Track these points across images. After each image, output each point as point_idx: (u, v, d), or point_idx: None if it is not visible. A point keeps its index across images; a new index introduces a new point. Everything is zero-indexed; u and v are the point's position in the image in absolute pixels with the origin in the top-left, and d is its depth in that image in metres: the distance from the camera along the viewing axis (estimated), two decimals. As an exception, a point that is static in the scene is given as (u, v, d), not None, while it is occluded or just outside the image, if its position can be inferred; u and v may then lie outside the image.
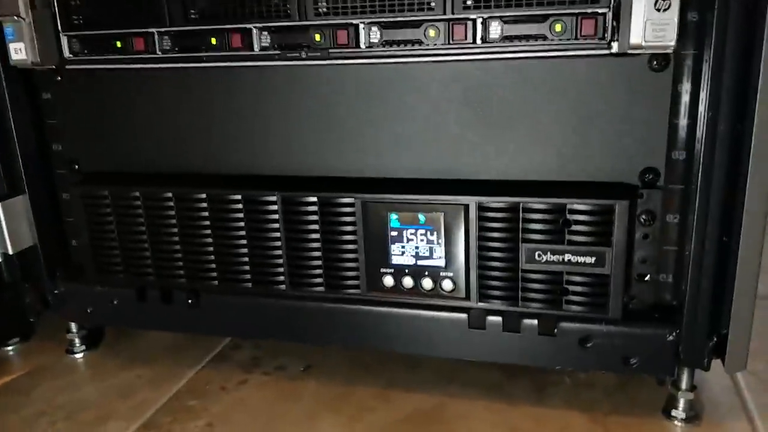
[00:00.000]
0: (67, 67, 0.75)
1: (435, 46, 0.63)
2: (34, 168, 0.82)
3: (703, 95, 0.58)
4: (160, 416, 0.74)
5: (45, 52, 0.74)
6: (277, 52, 0.67)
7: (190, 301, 0.78)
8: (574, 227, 0.62)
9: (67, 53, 0.75)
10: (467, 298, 0.67)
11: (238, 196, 0.71)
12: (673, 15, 0.55)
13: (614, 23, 0.57)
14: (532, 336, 0.67)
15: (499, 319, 0.67)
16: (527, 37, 0.60)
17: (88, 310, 0.83)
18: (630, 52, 0.58)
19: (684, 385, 0.67)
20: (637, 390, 0.74)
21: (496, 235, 0.65)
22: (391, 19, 0.63)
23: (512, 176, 0.66)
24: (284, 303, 0.74)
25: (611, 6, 0.57)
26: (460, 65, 0.64)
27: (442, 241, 0.67)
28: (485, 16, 0.61)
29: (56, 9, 0.73)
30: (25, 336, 0.93)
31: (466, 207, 0.65)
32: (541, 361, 0.68)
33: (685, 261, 0.62)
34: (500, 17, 0.60)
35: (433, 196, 0.66)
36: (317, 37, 0.65)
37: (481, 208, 0.64)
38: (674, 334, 0.63)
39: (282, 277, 0.73)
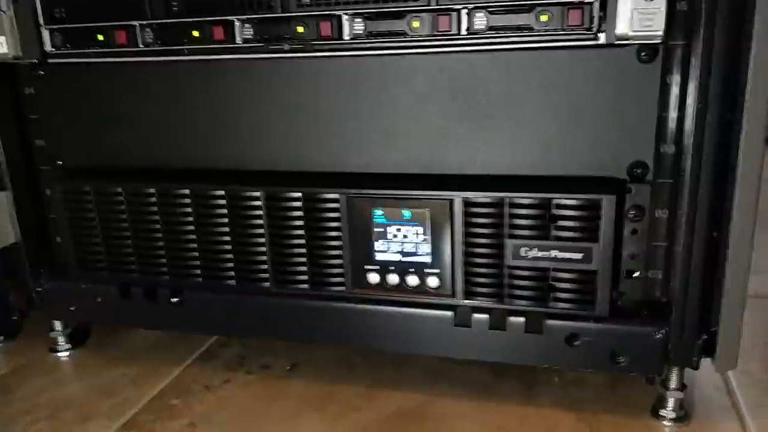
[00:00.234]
0: (49, 61, 0.74)
1: (419, 38, 0.62)
2: (16, 164, 0.81)
3: (692, 87, 0.57)
4: (143, 415, 0.72)
5: (26, 46, 0.73)
6: (260, 44, 0.66)
7: (174, 298, 0.77)
8: (561, 222, 0.61)
9: (48, 47, 0.74)
10: (453, 295, 0.66)
11: (222, 192, 0.70)
12: (660, 4, 0.54)
13: (601, 13, 0.56)
14: (519, 334, 0.65)
15: (485, 316, 0.66)
16: (513, 28, 0.59)
17: (72, 308, 0.82)
18: (617, 42, 0.56)
19: (673, 384, 0.65)
20: (626, 389, 0.72)
21: (481, 230, 0.63)
22: (375, 10, 0.62)
23: (498, 171, 0.65)
24: (268, 300, 0.73)
25: (598, -5, 0.56)
26: (446, 57, 0.63)
27: (427, 237, 0.66)
28: (470, 6, 0.60)
29: (37, 2, 0.72)
30: (10, 334, 0.92)
31: (452, 202, 0.64)
32: (527, 359, 0.67)
33: (674, 257, 0.61)
34: (485, 7, 0.59)
35: (418, 191, 0.65)
36: (300, 29, 0.64)
37: (466, 203, 0.63)
38: (663, 332, 0.62)
39: (266, 275, 0.72)
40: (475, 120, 0.64)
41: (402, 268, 0.67)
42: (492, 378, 0.76)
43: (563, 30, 0.58)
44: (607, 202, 0.59)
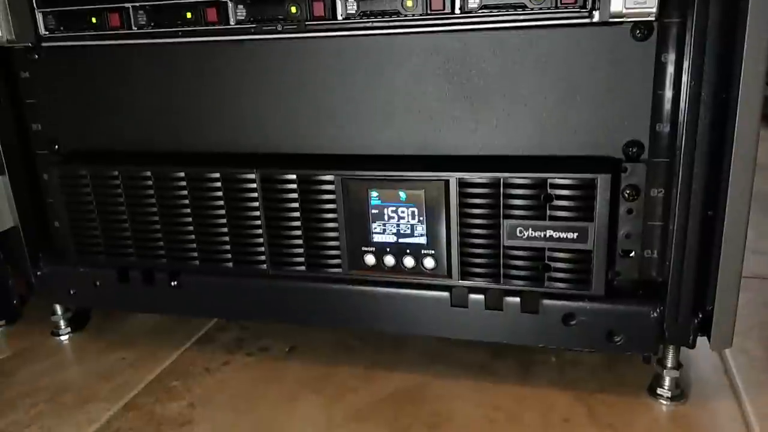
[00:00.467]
0: (44, 44, 0.74)
1: (413, 17, 0.61)
2: (13, 148, 0.81)
3: (688, 65, 0.56)
4: (142, 397, 0.73)
5: (20, 30, 0.73)
6: (253, 25, 0.66)
7: (172, 282, 0.77)
8: (556, 202, 0.61)
9: (42, 30, 0.73)
10: (449, 276, 0.66)
11: (217, 174, 0.70)
12: (654, -19, 0.53)
13: (596, -9, 0.56)
14: (515, 314, 0.66)
15: (481, 297, 0.66)
16: (506, 6, 0.59)
17: (71, 292, 0.82)
18: (612, 20, 0.56)
19: (669, 362, 0.66)
20: (623, 369, 0.73)
21: (477, 211, 0.63)
22: (368, -10, 0.61)
23: (493, 151, 0.65)
24: (266, 283, 0.73)
25: (592, -28, 0.56)
26: (440, 37, 0.63)
27: (423, 218, 0.66)
28: (463, -16, 0.59)
29: (30, -16, 0.72)
30: (11, 319, 0.93)
31: (447, 183, 0.63)
32: (524, 339, 0.67)
33: (669, 236, 0.61)
34: (479, -14, 0.59)
35: (414, 173, 0.65)
36: (293, 9, 0.64)
37: (462, 184, 0.63)
38: (658, 311, 0.62)
39: (263, 257, 0.72)
40: (470, 100, 0.64)
41: (398, 250, 0.67)
42: (489, 358, 0.76)
43: (557, 8, 0.58)
44: (603, 182, 0.59)
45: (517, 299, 0.65)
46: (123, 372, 0.78)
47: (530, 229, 0.62)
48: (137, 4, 0.68)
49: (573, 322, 0.64)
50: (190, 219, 0.73)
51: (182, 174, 0.71)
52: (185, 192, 0.72)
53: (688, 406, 0.66)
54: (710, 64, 0.55)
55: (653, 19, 0.55)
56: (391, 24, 0.62)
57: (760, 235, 1.12)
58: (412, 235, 0.66)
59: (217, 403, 0.71)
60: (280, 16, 0.64)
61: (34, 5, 0.72)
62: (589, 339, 0.65)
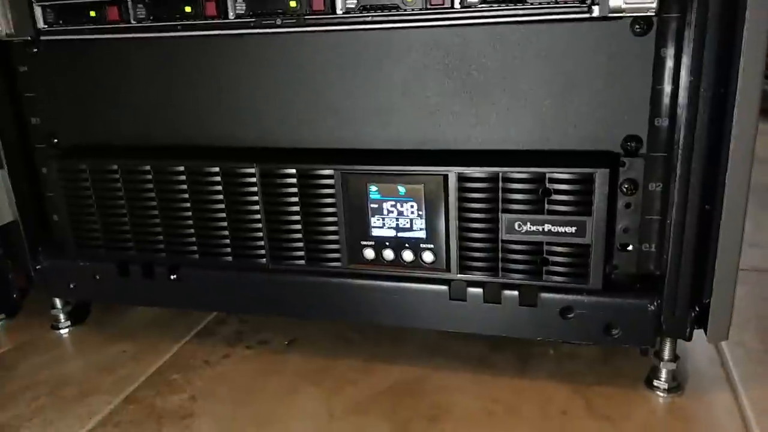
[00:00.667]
0: (42, 38, 0.74)
1: (412, 11, 0.61)
2: (12, 142, 0.81)
3: (687, 60, 0.56)
4: (143, 390, 0.73)
5: (19, 23, 0.73)
6: (252, 19, 0.66)
7: (172, 276, 0.77)
8: (554, 197, 0.61)
9: (41, 24, 0.73)
10: (448, 269, 0.67)
11: (216, 168, 0.70)
12: (654, -24, 0.53)
13: (595, -15, 0.56)
14: (513, 307, 0.66)
15: (479, 290, 0.67)
16: (506, 1, 0.59)
17: (71, 286, 0.83)
18: (611, 15, 0.56)
19: (666, 355, 0.66)
20: (621, 361, 0.73)
21: (476, 205, 0.64)
22: (368, -16, 0.62)
23: (492, 146, 0.65)
24: (265, 276, 0.73)
25: (591, -33, 0.56)
26: (439, 31, 0.63)
27: (422, 212, 0.66)
28: (463, -21, 0.59)
29: (29, -22, 0.72)
30: (11, 312, 0.93)
31: (446, 177, 0.64)
32: (522, 332, 0.67)
33: (667, 230, 0.61)
34: (478, -19, 0.59)
35: (413, 167, 0.65)
36: (293, 3, 0.64)
37: (460, 178, 0.63)
38: (656, 304, 0.62)
39: (262, 251, 0.72)
40: (470, 95, 0.64)
41: (397, 244, 0.68)
42: (487, 351, 0.77)
43: (557, 3, 0.58)
44: (601, 176, 0.59)
45: (516, 293, 0.66)
46: (123, 365, 0.79)
47: (529, 223, 0.63)
48: (136, -2, 0.69)
49: (571, 316, 0.65)
50: (189, 213, 0.73)
51: (182, 168, 0.72)
52: (185, 186, 0.72)
53: (684, 398, 0.67)
54: (709, 58, 0.55)
55: (653, 14, 0.55)
56: (391, 18, 0.62)
57: (758, 227, 1.12)
58: (411, 229, 0.67)
59: (217, 395, 0.72)
60: (279, 10, 0.64)
61: (33, -1, 0.72)
62: (587, 332, 0.65)
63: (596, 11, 0.57)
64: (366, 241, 0.68)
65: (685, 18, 0.56)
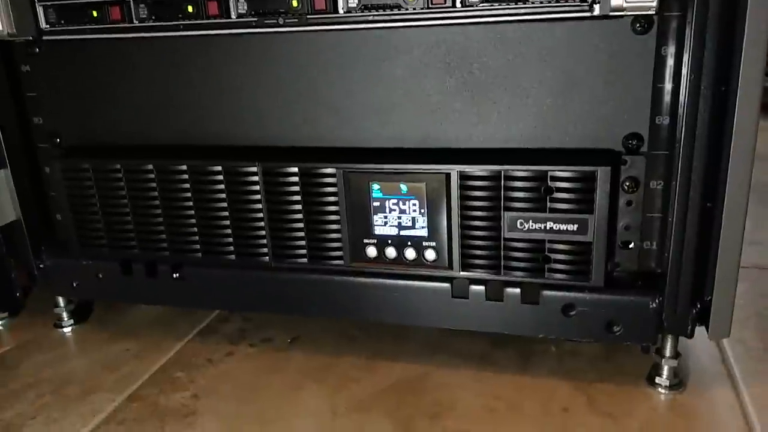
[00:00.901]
0: (44, 38, 0.74)
1: (414, 10, 0.62)
2: (15, 142, 0.81)
3: (688, 58, 0.56)
4: (146, 388, 0.74)
5: (21, 23, 0.73)
6: (254, 19, 0.66)
7: (175, 274, 0.77)
8: (556, 195, 0.61)
9: (43, 24, 0.74)
10: (450, 267, 0.67)
11: (219, 167, 0.71)
12: (654, -25, 0.54)
13: (596, -16, 0.56)
14: (516, 305, 0.66)
15: (482, 288, 0.67)
16: (508, 0, 0.59)
17: (74, 284, 0.83)
18: (612, 14, 0.56)
19: (668, 352, 0.66)
20: (622, 358, 0.73)
21: (478, 203, 0.64)
22: (369, -17, 0.62)
23: (494, 144, 0.65)
24: (268, 275, 0.74)
25: (593, -34, 0.56)
26: (441, 30, 0.63)
27: (424, 210, 0.66)
28: (464, -22, 0.59)
29: (31, -22, 0.72)
30: (14, 311, 0.93)
31: (448, 176, 0.64)
32: (524, 329, 0.67)
33: (668, 228, 0.61)
34: (480, -20, 0.59)
35: (415, 166, 0.65)
36: (294, 2, 0.64)
37: (462, 176, 0.63)
38: (657, 301, 0.63)
39: (265, 249, 0.72)
40: (471, 93, 0.64)
41: (399, 242, 0.68)
42: (489, 349, 0.77)
43: (558, 2, 0.58)
44: (602, 174, 0.60)
45: (518, 290, 0.66)
46: (126, 363, 0.79)
47: (531, 221, 0.63)
48: (138, -2, 0.69)
49: (573, 313, 0.65)
50: (192, 212, 0.73)
51: (184, 167, 0.72)
52: (187, 185, 0.72)
53: (686, 395, 0.67)
54: (710, 57, 0.55)
55: (653, 12, 0.55)
56: (393, 17, 0.63)
57: (758, 225, 1.12)
58: (413, 227, 0.67)
59: (220, 393, 0.72)
60: (281, 10, 0.65)
61: (35, -1, 0.72)
62: (589, 329, 0.65)
63: (597, 10, 0.57)
64: (368, 239, 0.69)
65: (686, 16, 0.56)
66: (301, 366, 0.76)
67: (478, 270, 0.66)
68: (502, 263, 0.65)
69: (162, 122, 0.75)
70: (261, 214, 0.71)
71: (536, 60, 0.62)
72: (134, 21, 0.70)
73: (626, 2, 0.54)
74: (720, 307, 0.61)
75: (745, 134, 0.55)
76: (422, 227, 0.67)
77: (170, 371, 0.77)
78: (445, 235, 0.66)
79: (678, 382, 0.68)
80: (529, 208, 0.62)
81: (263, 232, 0.71)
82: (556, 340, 0.77)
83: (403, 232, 0.67)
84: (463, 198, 0.64)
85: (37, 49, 0.77)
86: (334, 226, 0.69)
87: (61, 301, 0.89)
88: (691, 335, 0.63)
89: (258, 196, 0.70)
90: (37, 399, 0.73)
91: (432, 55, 0.64)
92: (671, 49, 0.58)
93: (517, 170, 0.62)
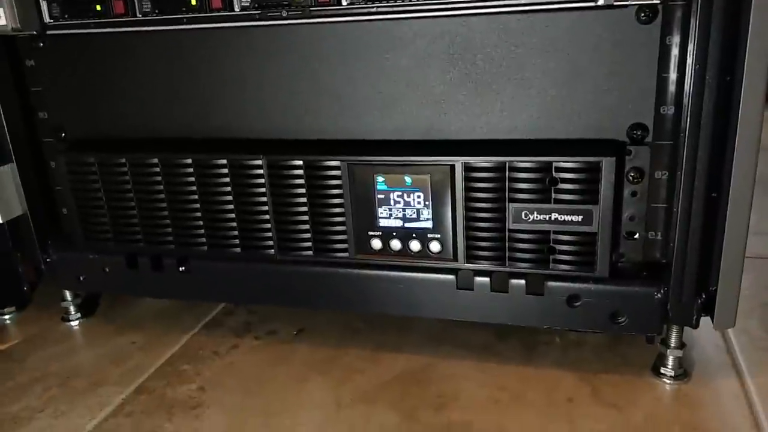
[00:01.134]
0: (48, 32, 0.74)
1: (418, 2, 0.61)
2: (20, 136, 0.81)
3: (692, 47, 0.56)
4: (153, 381, 0.74)
5: (25, 18, 0.73)
6: (258, 11, 0.66)
7: (180, 267, 0.78)
8: (561, 185, 0.61)
9: (47, 18, 0.74)
10: (455, 259, 0.67)
11: (224, 161, 0.71)
12: (659, -37, 0.53)
13: (600, -26, 0.56)
14: (520, 296, 0.66)
15: (486, 279, 0.67)
16: (511, -9, 0.59)
17: (81, 278, 0.83)
18: (617, 3, 0.56)
19: (673, 342, 0.66)
20: (627, 349, 0.74)
21: (482, 195, 0.64)
22: (373, -25, 0.62)
23: (498, 135, 0.65)
24: (273, 267, 0.74)
25: (596, -44, 0.56)
26: (444, 21, 0.63)
27: (429, 202, 0.66)
28: (468, -31, 0.59)
29: (34, -28, 0.72)
30: (21, 305, 0.94)
31: (453, 167, 0.64)
32: (529, 320, 0.68)
33: (673, 218, 0.61)
34: (483, -30, 0.59)
35: (419, 158, 0.65)
36: (298, -5, 0.64)
37: (467, 168, 0.63)
38: (662, 292, 0.63)
39: (270, 242, 0.72)
40: (475, 84, 0.64)
41: (404, 234, 0.68)
42: (494, 340, 0.77)
43: (562, -8, 0.58)
44: (607, 165, 0.59)
45: (522, 281, 0.66)
46: (133, 356, 0.80)
47: (535, 212, 0.63)
48: (142, -9, 0.69)
49: (578, 304, 0.65)
50: (197, 205, 0.73)
51: (189, 161, 0.72)
52: (192, 178, 0.72)
53: (691, 385, 0.67)
54: (715, 46, 0.55)
55: (658, 1, 0.55)
56: (396, 9, 0.62)
57: (764, 215, 1.12)
58: (418, 219, 0.67)
59: (226, 385, 0.72)
60: (284, 2, 0.65)
61: (39, -7, 0.72)
62: (594, 320, 0.65)
63: (601, 0, 0.57)
64: (373, 231, 0.69)
65: (691, 6, 0.56)
66: (306, 358, 0.76)
67: (483, 261, 0.66)
68: (507, 254, 0.65)
69: (166, 116, 0.75)
70: (266, 207, 0.71)
71: (540, 50, 0.62)
72: (138, 15, 0.70)
73: (630, -8, 0.54)
74: (725, 298, 0.61)
75: (750, 124, 0.55)
76: (427, 219, 0.67)
77: (176, 364, 0.77)
78: (450, 227, 0.66)
79: (683, 373, 0.68)
80: (534, 199, 0.62)
81: (268, 225, 0.72)
82: (561, 330, 0.77)
83: (407, 224, 0.67)
84: (467, 189, 0.64)
85: (41, 44, 0.77)
86: (339, 219, 0.69)
87: (67, 294, 0.89)
88: (696, 325, 0.63)
89: (263, 189, 0.70)
90: (44, 392, 0.73)
91: (435, 47, 0.64)
92: (676, 39, 0.58)
93: (522, 161, 0.62)
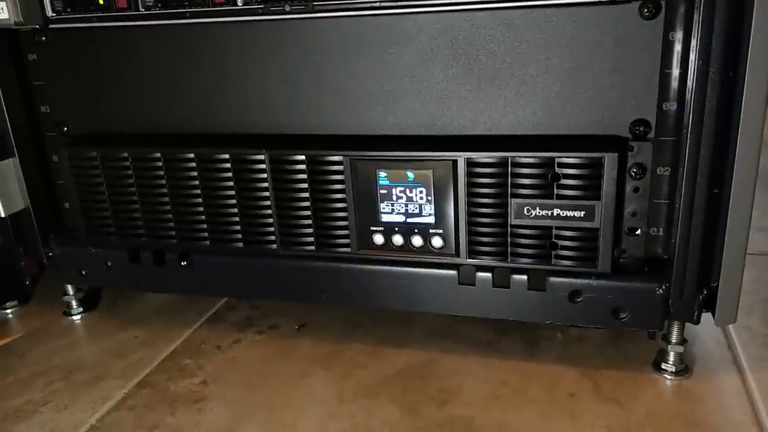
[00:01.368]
0: (51, 26, 0.74)
1: (421, -3, 0.62)
2: (23, 130, 0.81)
3: (695, 43, 0.56)
4: (155, 375, 0.74)
5: (28, 11, 0.73)
6: (261, 6, 0.66)
7: (183, 262, 0.78)
8: (563, 181, 0.61)
9: (50, 12, 0.74)
10: (457, 254, 0.67)
11: (226, 155, 0.71)
12: (663, -41, 0.53)
13: (603, -31, 0.56)
14: (522, 291, 0.66)
15: (488, 275, 0.67)
16: (514, -14, 0.59)
17: (83, 272, 0.83)
18: (620, -1, 0.56)
19: (674, 338, 0.67)
20: (628, 344, 0.74)
21: (485, 190, 0.64)
22: (376, -30, 0.62)
23: (501, 130, 0.65)
24: (275, 262, 0.74)
25: (600, -49, 0.56)
26: (448, 17, 0.63)
27: (431, 198, 0.66)
28: (471, -36, 0.59)
29: (37, -34, 0.72)
30: (23, 299, 0.94)
31: (455, 163, 0.64)
32: (531, 316, 0.68)
33: (675, 214, 0.62)
34: (487, -34, 0.59)
35: (422, 153, 0.65)
36: (301, -11, 0.64)
37: (469, 163, 0.64)
38: (664, 287, 0.63)
39: (272, 237, 0.73)
40: (478, 80, 0.64)
41: (406, 229, 0.68)
42: (496, 335, 0.77)
43: (566, -13, 0.58)
44: (610, 161, 0.60)
45: (524, 277, 0.66)
46: (135, 350, 0.80)
47: (537, 208, 0.63)
48: (144, -14, 0.69)
49: (579, 299, 0.65)
50: (200, 200, 0.74)
51: (192, 155, 0.72)
52: (195, 173, 0.73)
53: (692, 380, 0.68)
54: (718, 42, 0.55)
55: (661, -3, 0.55)
56: (400, 3, 0.62)
57: (765, 212, 1.12)
58: (420, 214, 0.67)
59: (228, 380, 0.72)
60: (287, -3, 0.65)
61: (41, -13, 0.72)
62: (595, 316, 0.66)
63: (605, -5, 0.57)
64: (375, 226, 0.69)
65: (694, 1, 0.56)
66: (309, 353, 0.77)
67: (485, 257, 0.66)
68: (509, 250, 0.65)
69: (169, 110, 0.75)
70: (268, 202, 0.71)
71: (543, 46, 0.62)
72: (141, 9, 0.70)
73: (634, -13, 0.54)
74: (726, 294, 0.61)
75: (753, 120, 0.55)
76: (429, 214, 0.67)
77: (179, 358, 0.77)
78: (452, 222, 0.66)
79: (684, 368, 0.68)
80: (536, 194, 0.62)
81: (271, 220, 0.72)
82: (563, 326, 0.77)
83: (410, 220, 0.68)
84: (470, 185, 0.64)
85: (44, 38, 0.77)
86: (341, 214, 0.69)
87: (70, 289, 0.89)
88: (697, 321, 0.63)
89: (265, 184, 0.70)
90: (47, 386, 0.73)
91: (439, 42, 0.64)
92: (679, 35, 0.58)
93: (524, 157, 0.62)
